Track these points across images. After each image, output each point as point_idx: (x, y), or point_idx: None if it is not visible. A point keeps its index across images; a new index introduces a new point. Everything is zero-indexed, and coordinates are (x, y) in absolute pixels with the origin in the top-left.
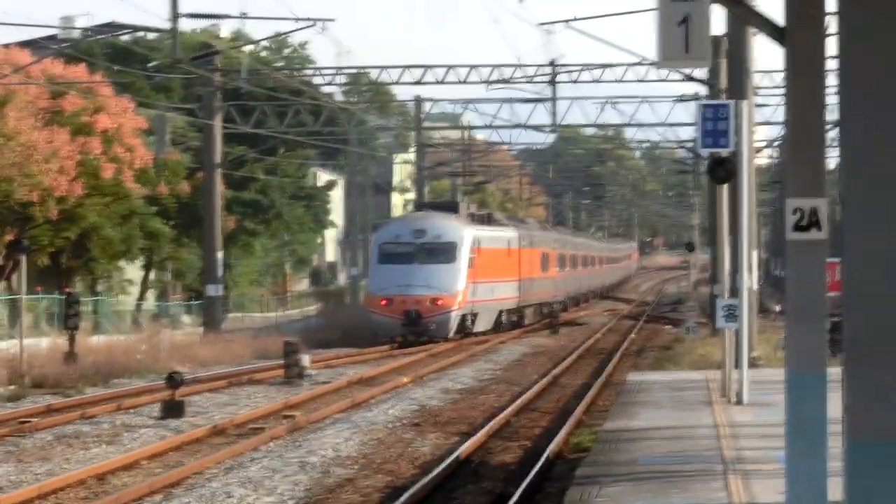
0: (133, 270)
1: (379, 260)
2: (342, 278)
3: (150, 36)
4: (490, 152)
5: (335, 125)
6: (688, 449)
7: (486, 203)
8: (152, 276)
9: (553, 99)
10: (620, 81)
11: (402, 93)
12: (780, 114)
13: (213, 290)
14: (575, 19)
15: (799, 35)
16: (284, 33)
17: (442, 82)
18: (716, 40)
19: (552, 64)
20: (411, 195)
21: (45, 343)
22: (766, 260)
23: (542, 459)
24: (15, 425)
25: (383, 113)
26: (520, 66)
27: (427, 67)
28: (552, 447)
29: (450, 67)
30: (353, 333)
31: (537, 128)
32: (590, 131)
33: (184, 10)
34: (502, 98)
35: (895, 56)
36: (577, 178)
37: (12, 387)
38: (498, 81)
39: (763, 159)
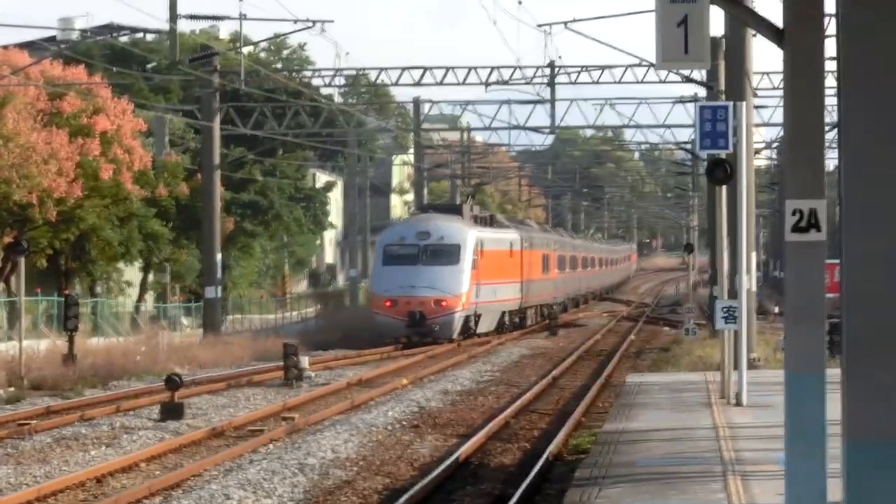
0: (132, 272)
1: (383, 261)
2: (341, 280)
3: (149, 37)
4: (489, 153)
5: (334, 126)
6: (687, 450)
7: (484, 204)
8: (151, 277)
9: (552, 100)
10: (619, 83)
11: (401, 94)
12: (778, 115)
13: (212, 292)
14: (574, 20)
15: (798, 35)
16: (283, 35)
17: (441, 83)
18: (715, 42)
19: (551, 65)
20: (410, 196)
21: (43, 345)
22: (765, 261)
23: (542, 461)
24: (14, 427)
25: (382, 114)
26: (519, 67)
27: (426, 69)
28: (551, 449)
29: (448, 69)
30: (352, 335)
31: (536, 129)
32: (589, 132)
33: (182, 12)
34: (501, 99)
35: (895, 56)
36: (575, 179)
37: (11, 389)
38: (497, 83)
39: (762, 161)
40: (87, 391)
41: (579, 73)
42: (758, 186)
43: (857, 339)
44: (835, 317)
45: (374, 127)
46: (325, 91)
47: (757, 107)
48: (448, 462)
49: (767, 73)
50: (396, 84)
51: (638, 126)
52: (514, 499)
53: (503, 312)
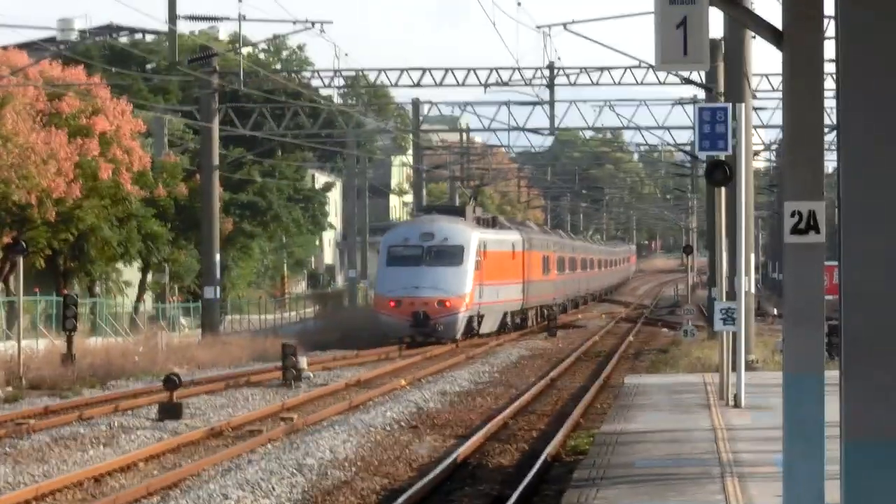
0: (131, 272)
1: (388, 262)
2: (340, 280)
3: (148, 38)
4: (488, 155)
5: (333, 127)
6: (685, 452)
7: (483, 206)
8: (150, 278)
9: (551, 102)
10: (618, 84)
11: (400, 95)
12: (777, 117)
13: (210, 293)
14: (573, 22)
15: (797, 35)
16: (282, 35)
17: (440, 85)
18: (714, 43)
19: (550, 66)
20: (409, 197)
21: (42, 345)
22: (764, 263)
23: (540, 462)
24: (12, 427)
25: (381, 115)
26: (518, 68)
27: (425, 70)
28: (549, 450)
29: (448, 70)
30: (351, 336)
31: (535, 130)
32: (588, 134)
33: (182, 13)
34: (500, 101)
35: (895, 56)
36: (575, 180)
37: (10, 388)
38: (496, 84)
39: (761, 162)
40: (85, 391)
41: (578, 74)
42: (757, 188)
43: (856, 339)
44: (833, 319)
45: (373, 128)
46: (324, 92)
47: (756, 109)
48: (446, 463)
49: (766, 75)
50: (395, 85)
51: (637, 127)
52: (513, 500)
53: (505, 313)
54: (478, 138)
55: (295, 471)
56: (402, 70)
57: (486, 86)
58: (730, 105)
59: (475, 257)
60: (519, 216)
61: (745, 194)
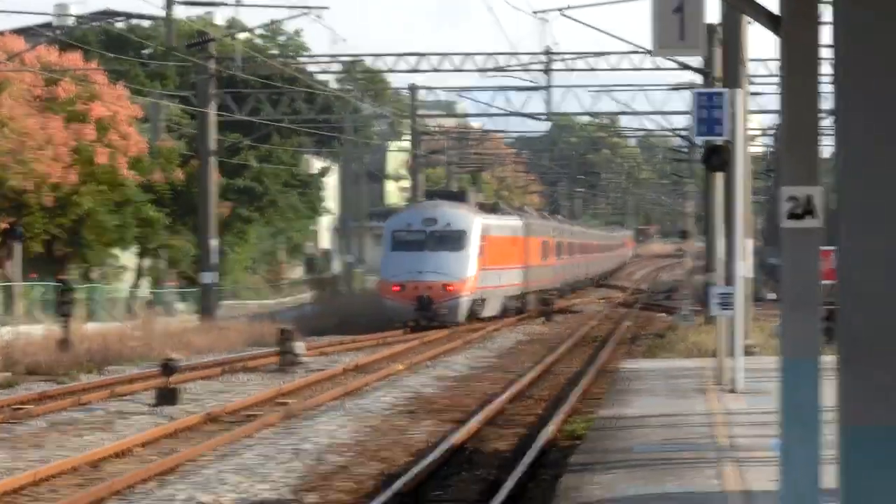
0: (127, 258)
1: (391, 247)
2: (337, 266)
3: (145, 23)
4: (485, 140)
5: (330, 113)
6: (682, 436)
7: (481, 191)
8: (147, 263)
9: (548, 87)
10: (615, 70)
11: (397, 80)
12: (774, 102)
13: (207, 278)
14: (569, 7)
15: (795, 19)
16: (279, 21)
17: (437, 70)
18: (710, 29)
19: (547, 52)
20: (406, 183)
21: (39, 330)
22: (761, 248)
23: (537, 447)
24: (9, 412)
25: (378, 101)
26: (514, 54)
27: (422, 55)
28: (546, 435)
29: (444, 55)
30: (348, 321)
31: (532, 116)
32: (585, 119)
33: None
34: (497, 86)
35: (895, 56)
36: (572, 166)
37: (6, 373)
38: (493, 69)
39: (758, 147)
40: (82, 376)
41: (575, 59)
42: (753, 173)
43: (856, 338)
44: (831, 304)
45: (369, 113)
46: (320, 77)
47: (753, 93)
48: (443, 448)
49: (763, 60)
50: (392, 70)
51: (634, 113)
52: (509, 484)
53: (506, 297)
54: (474, 123)
55: (292, 455)
56: (398, 55)
57: (482, 71)
58: (726, 90)
59: (478, 242)
60: (516, 201)
61: (741, 179)
